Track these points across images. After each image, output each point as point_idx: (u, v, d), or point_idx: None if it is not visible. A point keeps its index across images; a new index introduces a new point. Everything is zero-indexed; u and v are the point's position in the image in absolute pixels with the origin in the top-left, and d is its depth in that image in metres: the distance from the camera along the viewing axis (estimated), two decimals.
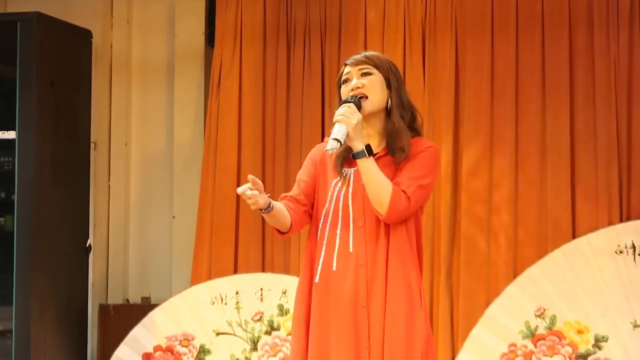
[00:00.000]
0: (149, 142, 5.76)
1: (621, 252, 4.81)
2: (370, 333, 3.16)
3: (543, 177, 5.05)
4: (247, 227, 5.33)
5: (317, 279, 3.22)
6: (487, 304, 4.92)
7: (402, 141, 3.21)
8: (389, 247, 3.19)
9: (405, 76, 5.19)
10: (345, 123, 3.12)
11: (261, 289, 5.06)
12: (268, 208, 3.12)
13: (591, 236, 4.86)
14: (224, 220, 5.33)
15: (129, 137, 5.77)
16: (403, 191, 3.15)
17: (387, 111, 3.26)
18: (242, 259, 5.31)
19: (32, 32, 4.86)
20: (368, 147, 3.15)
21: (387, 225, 3.18)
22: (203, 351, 5.04)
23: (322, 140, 5.20)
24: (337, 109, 3.25)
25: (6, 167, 5.03)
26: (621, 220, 4.92)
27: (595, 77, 5.02)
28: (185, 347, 5.05)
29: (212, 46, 5.50)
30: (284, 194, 3.33)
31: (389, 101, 3.26)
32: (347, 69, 3.29)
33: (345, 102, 3.19)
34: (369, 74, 3.25)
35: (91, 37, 5.37)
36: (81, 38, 5.31)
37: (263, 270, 5.28)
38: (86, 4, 5.67)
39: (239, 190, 3.06)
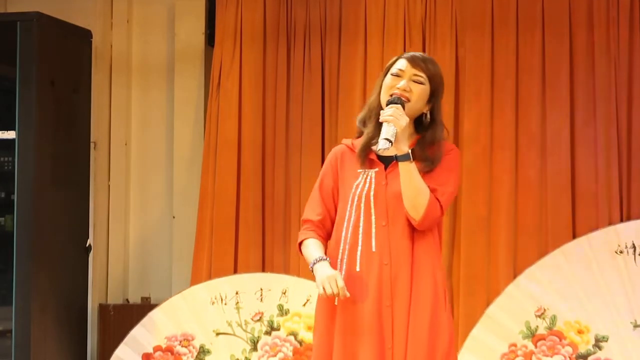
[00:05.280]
0: (149, 142, 5.76)
1: (621, 252, 4.81)
2: (394, 332, 3.16)
3: (543, 177, 5.06)
4: (247, 227, 5.33)
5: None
6: (487, 304, 4.92)
7: (435, 153, 3.23)
8: (414, 247, 3.20)
9: None
10: (395, 124, 3.12)
11: (261, 289, 5.06)
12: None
13: (591, 236, 4.86)
14: (224, 220, 5.33)
15: (129, 137, 5.77)
16: (437, 199, 3.17)
17: (419, 119, 3.27)
18: (242, 259, 5.31)
19: (32, 32, 4.86)
20: (413, 151, 3.16)
21: (411, 225, 3.19)
22: (203, 351, 5.04)
23: (322, 141, 5.28)
24: (380, 92, 3.26)
25: (6, 167, 5.03)
26: (621, 220, 4.92)
27: (596, 76, 5.02)
28: (185, 347, 5.05)
29: (212, 46, 5.50)
30: (307, 221, 3.34)
31: (425, 114, 3.27)
32: (403, 64, 3.27)
33: (393, 102, 3.18)
34: (421, 83, 3.25)
35: (91, 37, 5.37)
36: (81, 38, 5.31)
37: (263, 270, 5.28)
38: (86, 4, 5.66)
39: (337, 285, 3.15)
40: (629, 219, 4.92)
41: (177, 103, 5.65)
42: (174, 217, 5.65)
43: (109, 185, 5.73)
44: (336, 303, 3.21)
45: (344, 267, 3.23)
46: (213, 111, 5.41)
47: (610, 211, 4.94)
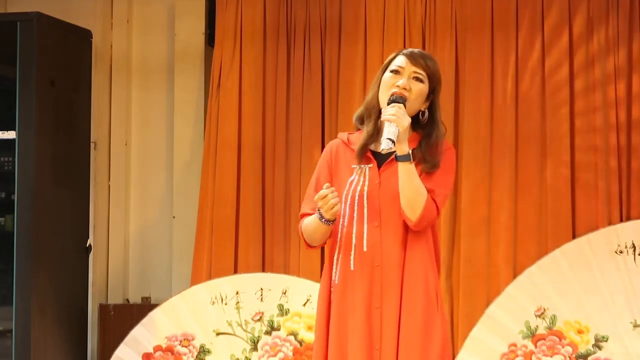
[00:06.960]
0: (149, 142, 5.76)
1: (621, 252, 4.81)
2: (383, 334, 3.15)
3: (543, 177, 5.06)
4: (247, 227, 5.33)
5: (336, 280, 3.23)
6: (487, 304, 4.92)
7: (435, 155, 3.21)
8: (407, 249, 3.19)
9: None
10: (397, 124, 3.10)
11: (261, 289, 5.06)
12: (335, 220, 3.18)
13: (591, 236, 4.86)
14: (224, 220, 5.33)
15: (129, 137, 5.77)
16: (434, 200, 3.16)
17: (416, 116, 3.25)
18: (242, 259, 5.31)
19: (32, 32, 4.86)
20: (413, 151, 3.14)
21: (405, 226, 3.18)
22: (203, 351, 5.04)
23: (322, 141, 5.27)
24: (379, 89, 3.24)
25: (6, 167, 5.02)
26: (621, 220, 4.92)
27: (595, 76, 5.02)
28: (186, 347, 5.05)
29: (212, 46, 5.50)
30: (304, 215, 3.32)
31: (423, 112, 3.25)
32: (402, 60, 3.26)
33: (395, 101, 3.16)
34: (420, 80, 3.24)
35: (91, 37, 5.37)
36: (81, 38, 5.31)
37: (263, 270, 5.28)
38: (86, 4, 5.67)
39: (324, 192, 3.10)
40: (629, 219, 4.92)
41: (177, 103, 5.66)
42: (174, 217, 5.65)
43: (109, 185, 5.73)
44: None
45: (339, 266, 3.22)
46: (213, 111, 5.41)
47: (610, 211, 4.94)
